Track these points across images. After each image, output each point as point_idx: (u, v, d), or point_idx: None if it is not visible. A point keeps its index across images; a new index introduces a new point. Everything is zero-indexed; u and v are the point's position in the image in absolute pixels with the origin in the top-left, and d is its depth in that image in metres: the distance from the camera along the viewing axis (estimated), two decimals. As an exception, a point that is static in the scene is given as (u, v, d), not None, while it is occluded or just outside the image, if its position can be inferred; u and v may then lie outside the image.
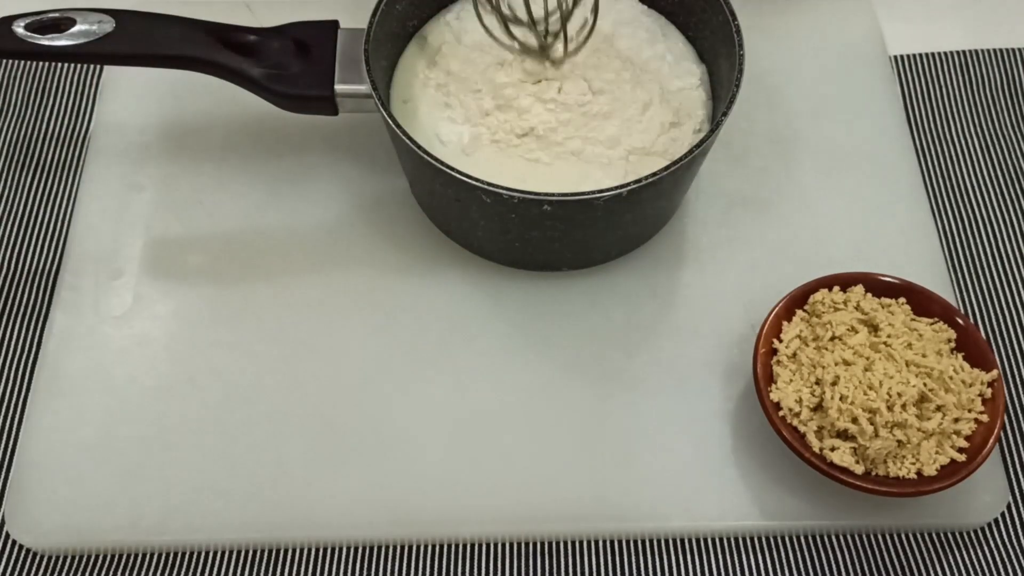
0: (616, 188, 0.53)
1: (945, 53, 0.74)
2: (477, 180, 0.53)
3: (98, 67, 0.72)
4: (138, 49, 0.57)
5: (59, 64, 0.72)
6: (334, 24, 0.59)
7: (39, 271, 0.64)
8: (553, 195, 0.53)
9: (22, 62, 0.72)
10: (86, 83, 0.72)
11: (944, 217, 0.67)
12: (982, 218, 0.67)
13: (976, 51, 0.74)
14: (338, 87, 0.57)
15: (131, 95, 0.69)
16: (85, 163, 0.66)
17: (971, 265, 0.65)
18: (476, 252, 0.63)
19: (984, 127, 0.71)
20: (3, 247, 0.65)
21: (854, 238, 0.64)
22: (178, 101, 0.69)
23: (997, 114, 0.72)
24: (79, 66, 0.72)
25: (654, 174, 0.53)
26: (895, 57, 0.73)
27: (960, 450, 0.53)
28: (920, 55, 0.74)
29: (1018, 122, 0.71)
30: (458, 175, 0.53)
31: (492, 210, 0.55)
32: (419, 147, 0.54)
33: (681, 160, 0.54)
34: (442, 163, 0.53)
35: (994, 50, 0.74)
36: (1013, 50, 0.74)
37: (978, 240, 0.66)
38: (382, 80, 0.59)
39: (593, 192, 0.53)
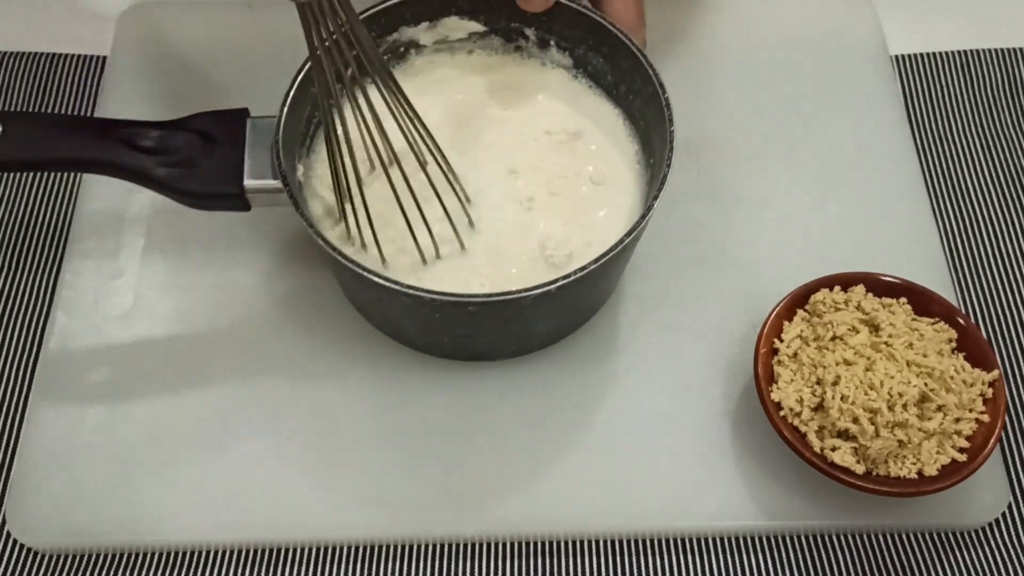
0: (544, 285, 0.50)
1: (945, 53, 0.74)
2: (396, 283, 0.50)
3: (99, 67, 0.72)
4: (27, 155, 0.53)
5: (59, 64, 0.72)
6: (243, 113, 0.56)
7: (40, 271, 0.64)
8: (477, 296, 0.50)
9: (23, 61, 0.72)
10: (86, 83, 0.72)
11: (945, 217, 0.67)
12: (983, 218, 0.67)
13: (976, 51, 0.74)
14: (248, 183, 0.54)
15: (131, 95, 0.69)
16: (85, 163, 0.66)
17: (972, 265, 0.65)
18: (408, 345, 0.59)
19: (984, 127, 0.71)
20: (4, 247, 0.65)
21: (854, 238, 0.64)
22: (178, 101, 0.68)
23: (997, 114, 0.72)
24: (79, 66, 0.72)
25: (582, 268, 0.50)
26: (896, 57, 0.73)
27: (961, 450, 0.53)
28: (920, 55, 0.74)
29: (1018, 121, 0.71)
30: (376, 278, 0.50)
31: (415, 311, 0.53)
32: (333, 248, 0.51)
33: (611, 251, 0.51)
34: (359, 265, 0.50)
35: (994, 50, 0.74)
36: (1013, 50, 0.74)
37: (979, 240, 0.66)
38: (295, 171, 0.55)
39: (519, 291, 0.50)
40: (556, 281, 0.50)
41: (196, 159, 0.54)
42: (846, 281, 0.57)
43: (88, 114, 0.70)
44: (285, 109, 0.54)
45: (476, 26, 0.61)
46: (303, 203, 0.54)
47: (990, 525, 0.57)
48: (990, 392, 0.54)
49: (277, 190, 0.53)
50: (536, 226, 0.57)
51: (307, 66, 0.55)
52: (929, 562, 0.56)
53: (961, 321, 0.56)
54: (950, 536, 0.56)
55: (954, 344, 0.56)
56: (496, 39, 0.62)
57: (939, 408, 0.53)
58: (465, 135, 0.59)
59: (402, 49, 0.61)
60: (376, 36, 0.59)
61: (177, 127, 0.55)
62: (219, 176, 0.54)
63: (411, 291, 0.50)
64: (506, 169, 0.58)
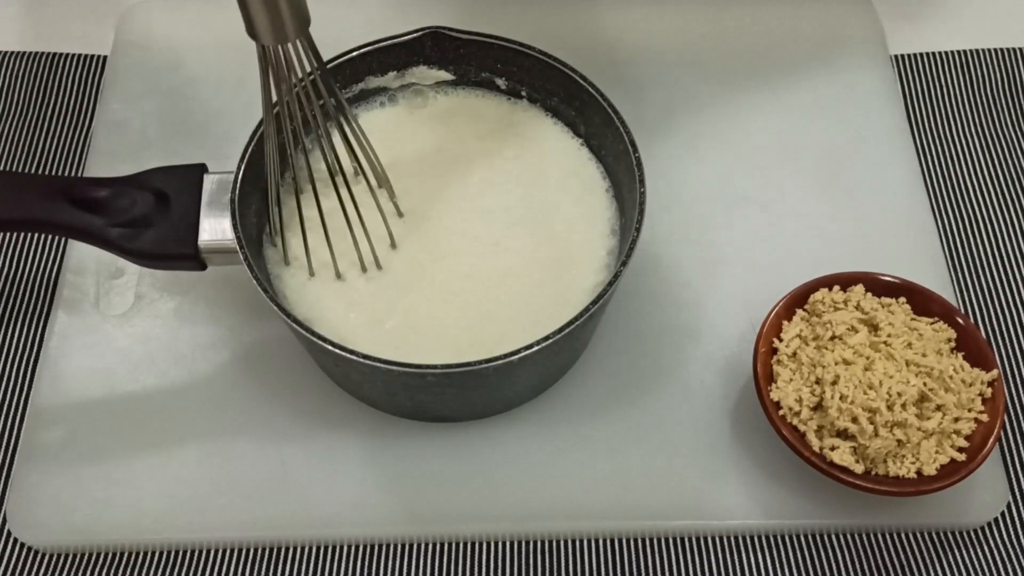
0: (506, 356, 0.48)
1: (945, 53, 0.74)
2: (352, 352, 0.48)
3: (98, 67, 0.72)
4: None
5: (59, 64, 0.72)
6: (199, 169, 0.54)
7: (41, 270, 0.64)
8: (436, 367, 0.48)
9: (23, 61, 0.72)
10: (86, 83, 0.72)
11: (944, 217, 0.67)
12: (982, 218, 0.67)
13: (976, 51, 0.74)
14: (203, 243, 0.52)
15: (131, 95, 0.69)
16: (86, 163, 0.66)
17: (971, 265, 0.65)
18: (372, 406, 0.58)
19: (984, 127, 0.71)
20: (5, 247, 0.65)
21: (854, 238, 0.64)
22: (178, 101, 0.69)
23: (997, 114, 0.72)
24: (79, 66, 0.72)
25: (546, 338, 0.48)
26: (895, 57, 0.73)
27: (960, 449, 0.53)
28: (920, 55, 0.74)
29: (1018, 122, 0.71)
30: (331, 347, 0.48)
31: (375, 377, 0.52)
32: (290, 316, 0.49)
33: (578, 319, 0.49)
34: (315, 334, 0.49)
35: (994, 50, 0.74)
36: (1013, 50, 0.74)
37: (978, 240, 0.66)
38: (253, 230, 0.54)
39: (480, 362, 0.48)
40: (519, 351, 0.48)
41: (149, 218, 0.52)
42: (845, 281, 0.57)
43: (88, 114, 0.70)
44: (243, 166, 0.52)
45: (445, 75, 0.59)
46: (261, 266, 0.52)
47: (989, 525, 0.57)
48: (989, 392, 0.54)
49: (233, 250, 0.51)
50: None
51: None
52: (928, 562, 0.56)
53: (960, 321, 0.56)
54: (949, 536, 0.56)
55: (953, 344, 0.56)
56: (466, 89, 0.60)
57: (938, 408, 0.53)
58: (436, 175, 0.58)
59: (370, 95, 0.60)
60: (341, 86, 0.57)
61: (128, 184, 0.53)
62: (173, 236, 0.52)
63: (367, 360, 0.48)
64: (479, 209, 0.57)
